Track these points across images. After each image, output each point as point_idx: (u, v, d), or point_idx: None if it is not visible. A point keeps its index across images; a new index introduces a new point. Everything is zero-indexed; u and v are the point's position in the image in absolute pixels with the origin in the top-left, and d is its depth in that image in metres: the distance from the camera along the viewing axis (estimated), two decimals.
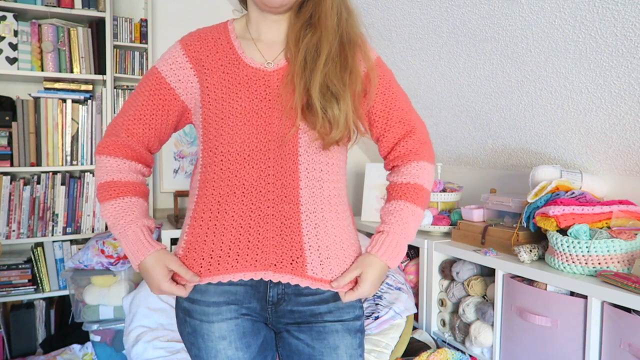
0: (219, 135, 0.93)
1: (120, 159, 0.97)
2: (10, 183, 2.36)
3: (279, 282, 0.96)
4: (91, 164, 2.52)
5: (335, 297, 0.99)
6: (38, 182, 2.42)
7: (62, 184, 2.46)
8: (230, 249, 0.93)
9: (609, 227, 1.42)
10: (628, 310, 1.21)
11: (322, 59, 0.90)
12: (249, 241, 0.93)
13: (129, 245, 0.94)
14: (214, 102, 0.94)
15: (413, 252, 2.09)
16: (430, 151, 1.02)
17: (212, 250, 0.93)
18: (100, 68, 2.52)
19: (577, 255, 1.36)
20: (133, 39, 2.66)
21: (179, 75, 0.96)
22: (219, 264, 0.93)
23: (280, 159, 0.93)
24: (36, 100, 2.40)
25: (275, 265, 0.93)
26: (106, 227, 2.57)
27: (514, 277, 1.52)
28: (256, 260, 0.93)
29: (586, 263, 1.35)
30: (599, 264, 1.34)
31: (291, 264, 0.94)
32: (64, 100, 2.45)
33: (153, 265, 0.93)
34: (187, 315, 0.97)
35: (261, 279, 0.94)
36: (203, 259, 0.94)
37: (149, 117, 0.97)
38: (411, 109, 1.03)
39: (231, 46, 0.97)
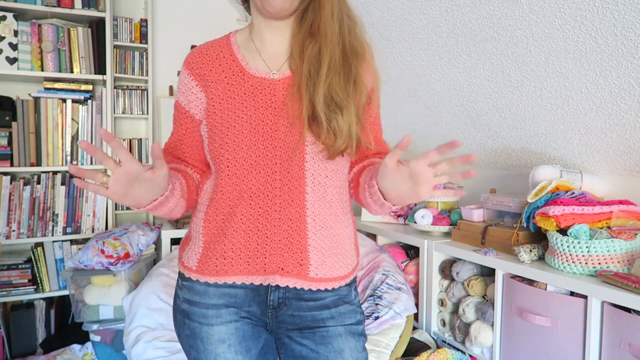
0: (224, 144, 0.94)
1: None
2: (10, 183, 2.36)
3: (280, 286, 0.96)
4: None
5: (336, 302, 0.98)
6: (38, 182, 2.42)
7: (62, 184, 2.46)
8: (241, 251, 0.94)
9: (609, 227, 1.42)
10: (628, 310, 1.21)
11: (324, 69, 0.90)
12: (257, 244, 0.94)
13: None
14: (219, 112, 0.95)
15: (413, 252, 2.09)
16: None
17: (225, 252, 0.94)
18: (100, 68, 2.52)
19: (577, 255, 1.36)
20: (133, 39, 2.66)
21: (189, 97, 1.00)
22: (232, 265, 0.94)
23: (287, 165, 0.93)
24: (36, 100, 2.40)
25: (282, 269, 0.94)
26: (106, 227, 2.57)
27: (514, 277, 1.52)
28: (265, 264, 0.93)
29: (586, 263, 1.35)
30: (599, 264, 1.34)
31: (296, 267, 0.94)
32: (64, 100, 2.45)
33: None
34: (185, 317, 0.97)
35: (261, 283, 0.95)
36: (217, 258, 0.95)
37: (180, 144, 1.03)
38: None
39: (234, 58, 0.98)
